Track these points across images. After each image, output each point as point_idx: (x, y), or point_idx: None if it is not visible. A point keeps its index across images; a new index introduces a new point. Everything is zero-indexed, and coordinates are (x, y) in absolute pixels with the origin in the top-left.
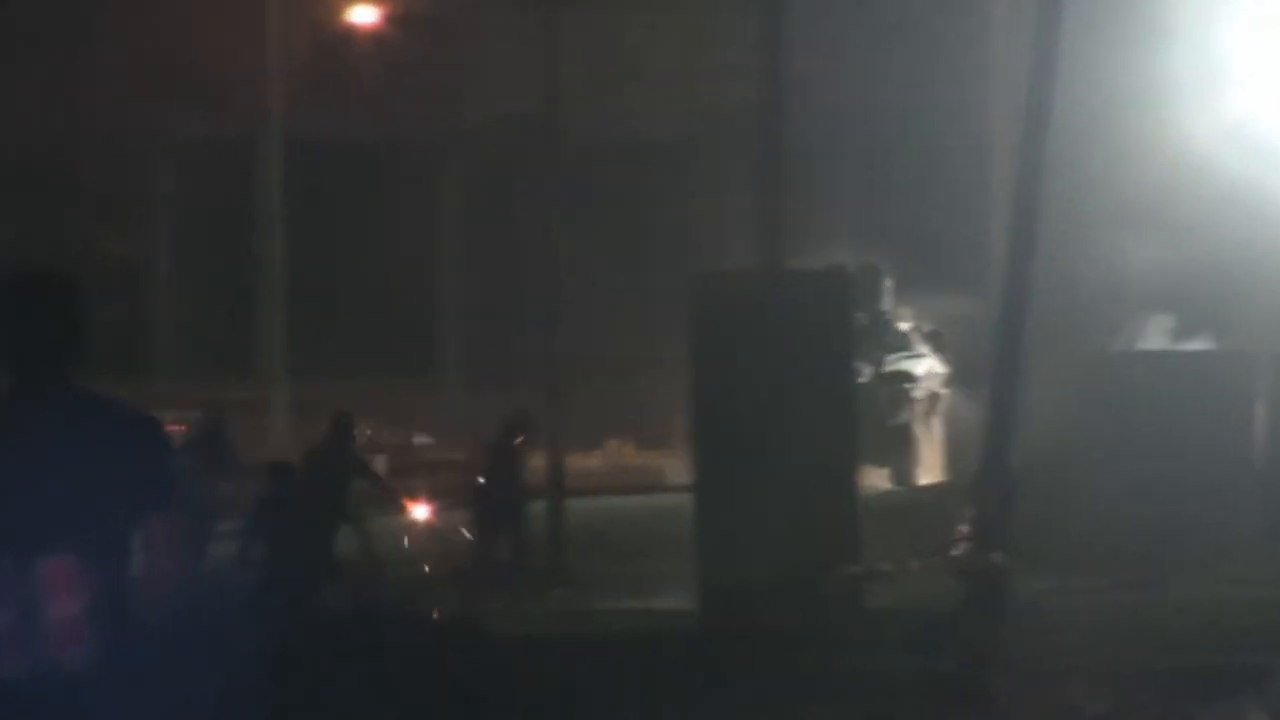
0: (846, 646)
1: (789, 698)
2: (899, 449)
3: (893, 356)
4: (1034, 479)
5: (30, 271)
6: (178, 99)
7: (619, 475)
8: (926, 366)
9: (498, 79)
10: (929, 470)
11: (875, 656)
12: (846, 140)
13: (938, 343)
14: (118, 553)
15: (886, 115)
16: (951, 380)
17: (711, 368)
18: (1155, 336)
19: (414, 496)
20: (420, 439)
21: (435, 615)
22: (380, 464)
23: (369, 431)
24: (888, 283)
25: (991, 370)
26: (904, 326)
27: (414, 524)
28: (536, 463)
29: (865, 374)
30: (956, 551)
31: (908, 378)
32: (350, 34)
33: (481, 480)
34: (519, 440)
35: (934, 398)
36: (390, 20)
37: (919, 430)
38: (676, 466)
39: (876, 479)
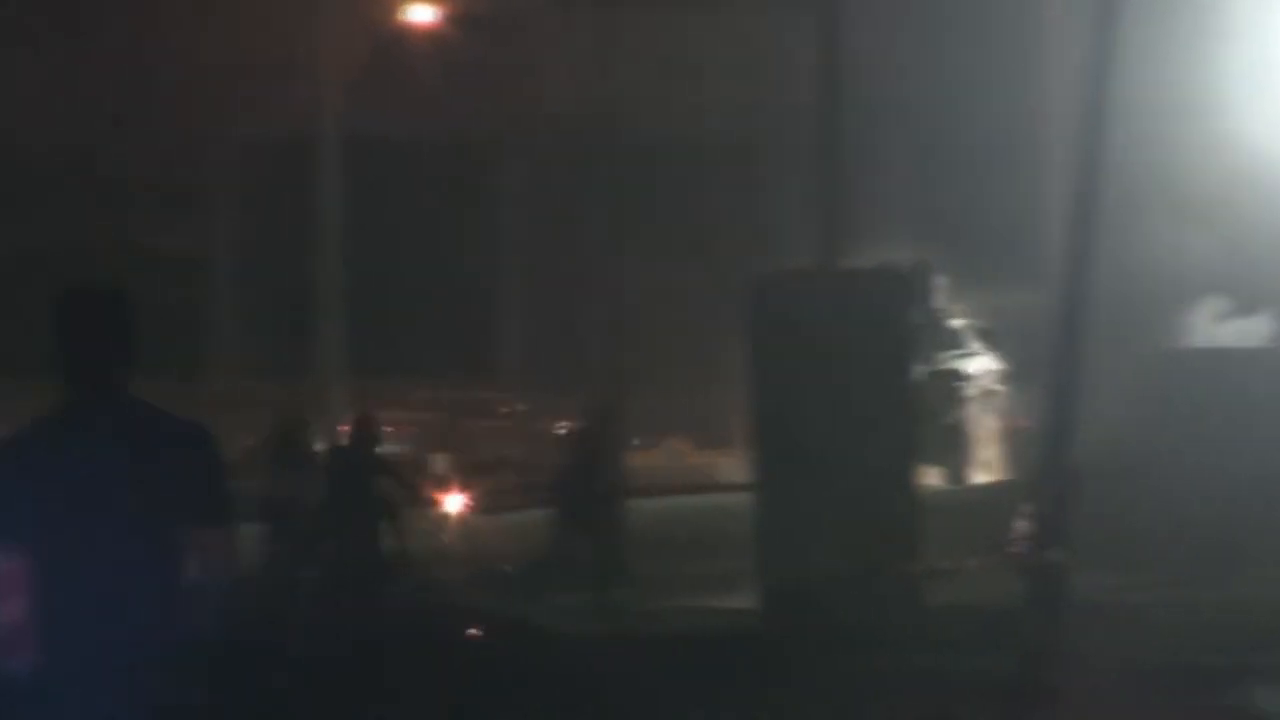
0: (906, 645)
1: (850, 697)
2: (953, 447)
3: (945, 355)
4: (1097, 476)
5: (82, 286)
6: (239, 95)
7: (677, 475)
8: (979, 364)
9: (556, 79)
10: (984, 468)
11: (935, 655)
12: (904, 135)
13: (990, 340)
14: (165, 565)
15: (944, 110)
16: (1006, 377)
17: (771, 367)
18: (1216, 331)
19: (444, 493)
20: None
21: (497, 613)
22: (439, 463)
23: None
24: (940, 280)
25: (1050, 365)
26: (956, 324)
27: (450, 519)
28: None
29: (919, 372)
30: (1015, 549)
31: (960, 376)
32: (410, 32)
33: (562, 476)
34: (605, 433)
35: (988, 395)
36: (450, 19)
37: (972, 428)
38: (734, 466)
39: (931, 478)
